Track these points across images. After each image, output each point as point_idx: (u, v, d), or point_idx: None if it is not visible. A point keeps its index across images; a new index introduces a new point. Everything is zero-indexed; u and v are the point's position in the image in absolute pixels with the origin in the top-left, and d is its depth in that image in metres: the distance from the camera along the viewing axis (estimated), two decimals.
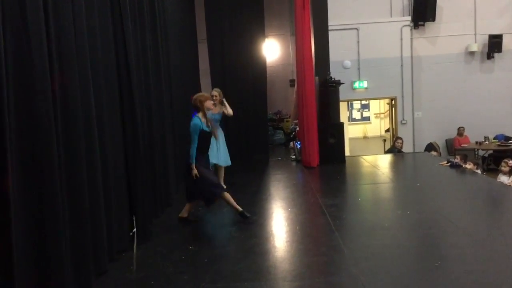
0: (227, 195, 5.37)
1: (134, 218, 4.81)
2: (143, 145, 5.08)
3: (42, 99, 3.05)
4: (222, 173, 7.39)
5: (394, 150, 11.09)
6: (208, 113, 7.32)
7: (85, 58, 3.76)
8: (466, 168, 8.18)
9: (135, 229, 4.83)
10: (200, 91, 10.09)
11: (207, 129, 5.33)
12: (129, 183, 4.76)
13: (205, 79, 10.36)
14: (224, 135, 7.47)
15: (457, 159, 8.48)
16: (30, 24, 2.95)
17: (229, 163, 7.33)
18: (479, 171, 8.70)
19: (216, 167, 7.27)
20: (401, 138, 11.34)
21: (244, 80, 10.31)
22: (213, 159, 6.96)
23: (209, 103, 5.49)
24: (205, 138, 5.33)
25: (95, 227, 3.80)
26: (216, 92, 7.23)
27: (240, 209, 5.37)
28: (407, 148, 12.77)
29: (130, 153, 4.75)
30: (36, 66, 2.99)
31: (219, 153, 7.18)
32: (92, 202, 3.74)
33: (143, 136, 5.13)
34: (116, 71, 4.62)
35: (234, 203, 5.38)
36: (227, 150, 7.33)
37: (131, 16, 4.87)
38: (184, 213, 5.51)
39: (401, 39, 12.74)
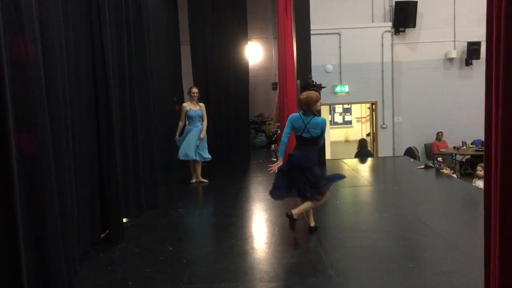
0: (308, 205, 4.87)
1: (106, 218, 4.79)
2: (119, 145, 5.03)
3: (38, 99, 3.12)
4: (199, 168, 8.01)
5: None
6: (190, 110, 7.63)
7: (61, 57, 3.75)
8: (443, 172, 8.34)
9: (107, 231, 4.82)
10: (182, 92, 10.12)
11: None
12: (102, 184, 4.73)
13: (187, 80, 10.38)
14: (206, 137, 7.98)
15: (442, 164, 8.63)
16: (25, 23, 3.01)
17: (207, 158, 7.92)
18: (455, 176, 8.87)
19: (194, 162, 7.95)
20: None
21: (227, 82, 10.37)
22: (192, 155, 7.75)
23: (318, 105, 4.88)
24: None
25: (68, 226, 3.77)
26: (196, 89, 7.91)
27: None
28: (387, 152, 12.98)
29: (104, 153, 4.73)
30: (31, 66, 3.05)
31: (198, 149, 7.77)
32: (63, 200, 3.71)
33: (119, 136, 5.08)
34: (92, 70, 4.61)
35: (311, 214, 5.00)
36: (206, 146, 7.91)
37: (110, 15, 4.85)
38: (311, 221, 5.04)
39: (382, 44, 12.93)
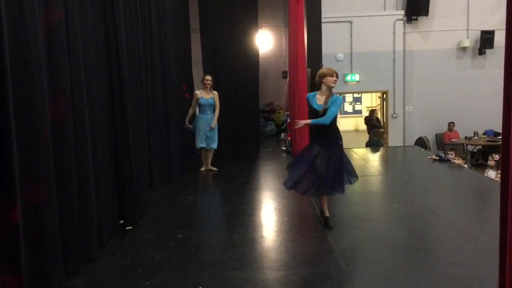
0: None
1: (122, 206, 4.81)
2: (133, 133, 5.04)
3: (39, 89, 3.10)
4: (210, 156, 7.95)
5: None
6: (201, 98, 7.57)
7: (76, 46, 3.73)
8: (454, 162, 8.26)
9: (122, 221, 4.84)
10: (192, 80, 10.09)
11: (317, 107, 4.69)
12: (118, 171, 4.75)
13: (197, 68, 10.34)
14: (217, 127, 7.91)
15: (452, 155, 8.53)
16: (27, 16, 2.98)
17: (213, 147, 7.89)
18: (466, 166, 8.79)
19: (206, 150, 7.91)
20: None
21: (237, 70, 10.32)
22: (201, 143, 7.74)
23: (330, 80, 4.79)
24: (313, 116, 4.67)
25: (84, 214, 3.79)
26: (210, 76, 7.79)
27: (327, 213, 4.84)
28: (397, 142, 12.87)
29: (119, 141, 4.73)
30: (32, 59, 3.02)
31: (207, 138, 7.75)
32: (81, 188, 3.73)
33: (133, 124, 5.08)
34: (107, 58, 4.59)
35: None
36: (216, 134, 7.85)
37: (123, 3, 4.83)
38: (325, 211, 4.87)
39: (394, 33, 12.76)
